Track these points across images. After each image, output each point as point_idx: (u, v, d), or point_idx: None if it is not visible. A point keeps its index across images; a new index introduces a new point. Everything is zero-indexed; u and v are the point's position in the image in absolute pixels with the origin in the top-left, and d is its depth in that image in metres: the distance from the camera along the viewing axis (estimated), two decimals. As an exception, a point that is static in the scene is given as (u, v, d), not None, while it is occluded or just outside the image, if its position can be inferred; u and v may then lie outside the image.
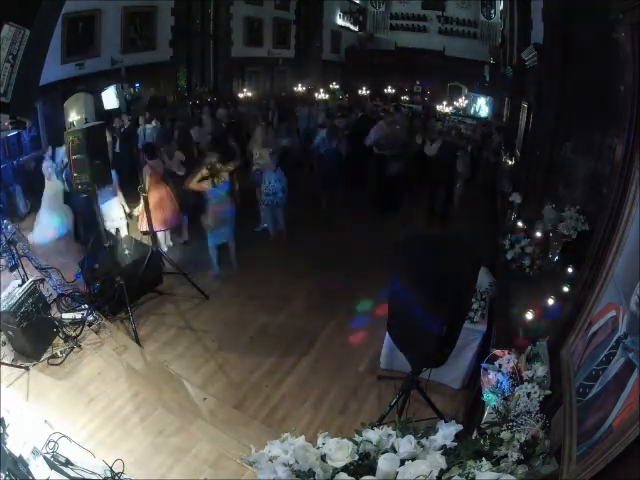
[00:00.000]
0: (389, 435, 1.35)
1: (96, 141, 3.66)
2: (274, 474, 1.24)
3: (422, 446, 1.33)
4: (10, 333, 3.42)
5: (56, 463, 2.20)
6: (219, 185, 4.52)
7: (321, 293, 4.75)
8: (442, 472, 1.23)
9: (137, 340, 3.86)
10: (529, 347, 2.21)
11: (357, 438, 1.35)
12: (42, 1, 3.33)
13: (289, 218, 5.90)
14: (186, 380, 3.51)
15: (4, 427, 2.25)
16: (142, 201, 4.56)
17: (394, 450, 1.30)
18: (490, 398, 2.06)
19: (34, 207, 6.18)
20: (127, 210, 5.28)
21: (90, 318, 3.94)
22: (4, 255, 3.85)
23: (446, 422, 1.43)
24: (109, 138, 5.92)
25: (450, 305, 2.46)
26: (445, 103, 13.32)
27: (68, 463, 2.24)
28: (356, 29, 15.11)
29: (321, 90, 12.59)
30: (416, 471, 1.19)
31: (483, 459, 1.32)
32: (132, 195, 5.25)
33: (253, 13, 11.56)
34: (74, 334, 3.75)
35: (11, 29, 3.12)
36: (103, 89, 7.88)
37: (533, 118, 5.40)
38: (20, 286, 3.56)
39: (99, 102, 7.96)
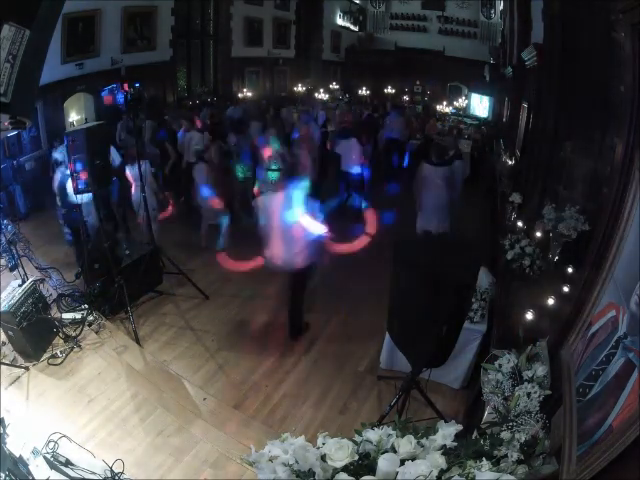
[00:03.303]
0: (389, 435, 1.35)
1: (96, 141, 3.66)
2: (274, 474, 1.24)
3: (422, 446, 1.33)
4: (10, 333, 3.42)
5: (56, 463, 2.20)
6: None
7: (321, 293, 4.74)
8: (442, 472, 1.23)
9: (137, 340, 3.86)
10: (529, 347, 2.21)
11: (357, 438, 1.35)
12: (42, 1, 3.33)
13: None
14: (186, 380, 3.51)
15: (4, 427, 2.25)
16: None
17: (394, 450, 1.30)
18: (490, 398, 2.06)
19: (34, 207, 6.19)
20: None
21: (90, 318, 3.95)
22: (4, 255, 3.86)
23: (446, 422, 1.43)
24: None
25: (450, 305, 2.46)
26: (445, 103, 13.32)
27: (68, 463, 2.24)
28: (356, 29, 15.11)
29: (321, 90, 12.60)
30: (416, 471, 1.19)
31: (483, 459, 1.32)
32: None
33: (253, 13, 11.57)
34: (74, 334, 3.75)
35: (11, 29, 3.12)
36: (103, 89, 7.88)
37: (533, 118, 5.39)
38: (20, 286, 3.56)
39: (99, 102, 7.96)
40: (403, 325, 2.78)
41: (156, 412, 3.15)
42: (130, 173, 5.00)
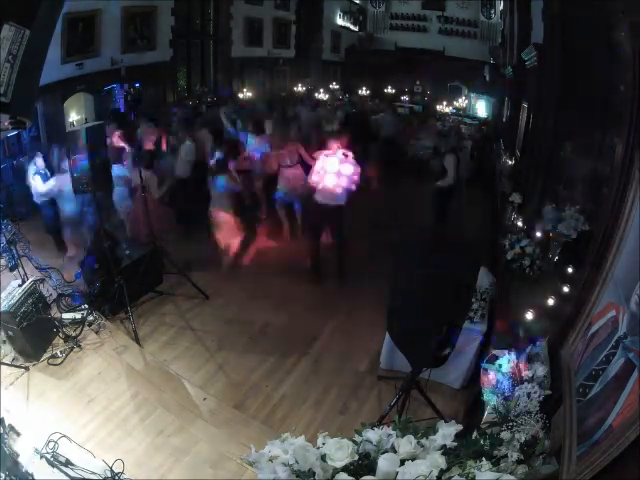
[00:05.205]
0: (389, 435, 1.35)
1: (96, 141, 3.66)
2: (274, 474, 1.24)
3: (422, 446, 1.33)
4: (10, 333, 3.42)
5: (56, 463, 2.20)
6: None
7: (321, 293, 4.75)
8: (442, 472, 1.23)
9: (137, 340, 3.86)
10: (529, 347, 2.21)
11: (357, 438, 1.35)
12: (42, 1, 3.33)
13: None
14: (186, 380, 3.51)
15: (4, 427, 2.25)
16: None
17: (394, 450, 1.30)
18: (490, 398, 2.06)
19: (33, 207, 6.16)
20: None
21: (90, 318, 3.94)
22: (4, 255, 3.85)
23: (446, 422, 1.43)
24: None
25: (450, 305, 2.46)
26: (445, 103, 13.31)
27: (68, 463, 2.23)
28: (356, 29, 15.10)
29: (321, 90, 12.60)
30: (416, 471, 1.19)
31: (483, 459, 1.32)
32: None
33: (253, 13, 11.55)
34: (74, 334, 3.75)
35: (11, 29, 3.12)
36: (103, 89, 7.89)
37: (533, 118, 5.39)
38: (20, 286, 3.55)
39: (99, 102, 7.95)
40: (403, 325, 2.78)
41: (156, 412, 3.15)
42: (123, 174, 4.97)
